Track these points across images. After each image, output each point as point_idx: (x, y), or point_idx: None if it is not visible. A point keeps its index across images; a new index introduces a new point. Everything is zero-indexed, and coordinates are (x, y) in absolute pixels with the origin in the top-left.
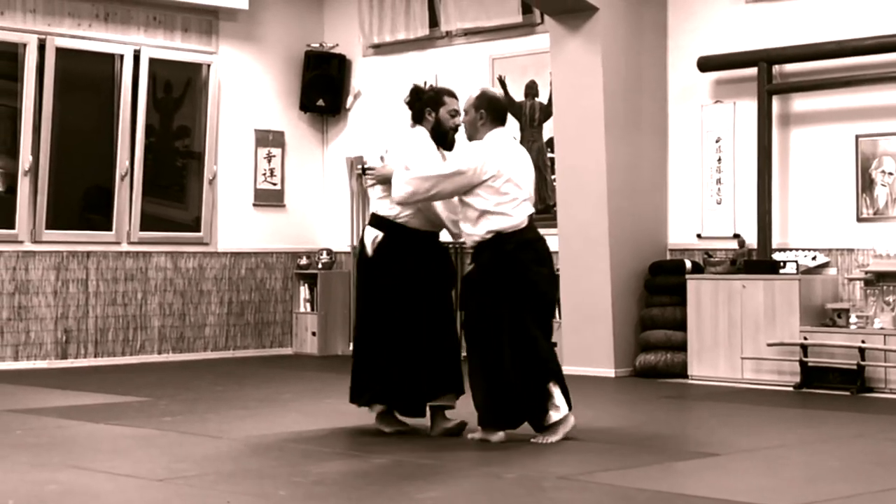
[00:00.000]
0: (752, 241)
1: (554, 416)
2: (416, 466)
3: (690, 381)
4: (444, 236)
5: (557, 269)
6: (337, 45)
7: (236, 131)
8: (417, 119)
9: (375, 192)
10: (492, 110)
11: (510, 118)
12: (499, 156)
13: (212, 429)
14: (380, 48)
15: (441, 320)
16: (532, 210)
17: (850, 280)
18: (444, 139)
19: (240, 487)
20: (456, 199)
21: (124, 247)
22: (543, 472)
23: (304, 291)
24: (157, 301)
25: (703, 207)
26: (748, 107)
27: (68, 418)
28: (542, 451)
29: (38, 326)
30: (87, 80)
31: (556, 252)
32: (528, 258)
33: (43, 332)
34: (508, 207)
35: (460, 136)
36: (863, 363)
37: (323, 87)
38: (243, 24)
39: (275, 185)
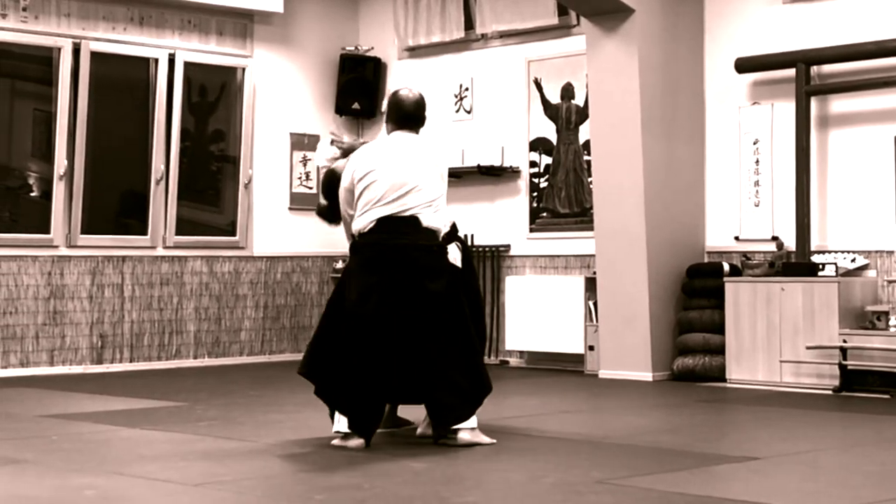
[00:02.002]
0: (790, 243)
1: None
2: (453, 471)
3: (729, 385)
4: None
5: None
6: (372, 47)
7: (272, 135)
8: None
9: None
10: (390, 111)
11: (546, 120)
12: (361, 162)
13: (248, 433)
14: (415, 51)
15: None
16: (386, 213)
17: (890, 282)
18: None
19: (276, 492)
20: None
21: (160, 251)
22: (581, 477)
23: None
24: (193, 305)
25: (740, 209)
26: (786, 108)
27: (104, 423)
28: (580, 455)
29: (73, 331)
30: (121, 83)
31: (593, 255)
32: (357, 265)
33: (78, 336)
34: (358, 212)
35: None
36: None
37: (358, 91)
38: (278, 28)
39: (310, 188)
